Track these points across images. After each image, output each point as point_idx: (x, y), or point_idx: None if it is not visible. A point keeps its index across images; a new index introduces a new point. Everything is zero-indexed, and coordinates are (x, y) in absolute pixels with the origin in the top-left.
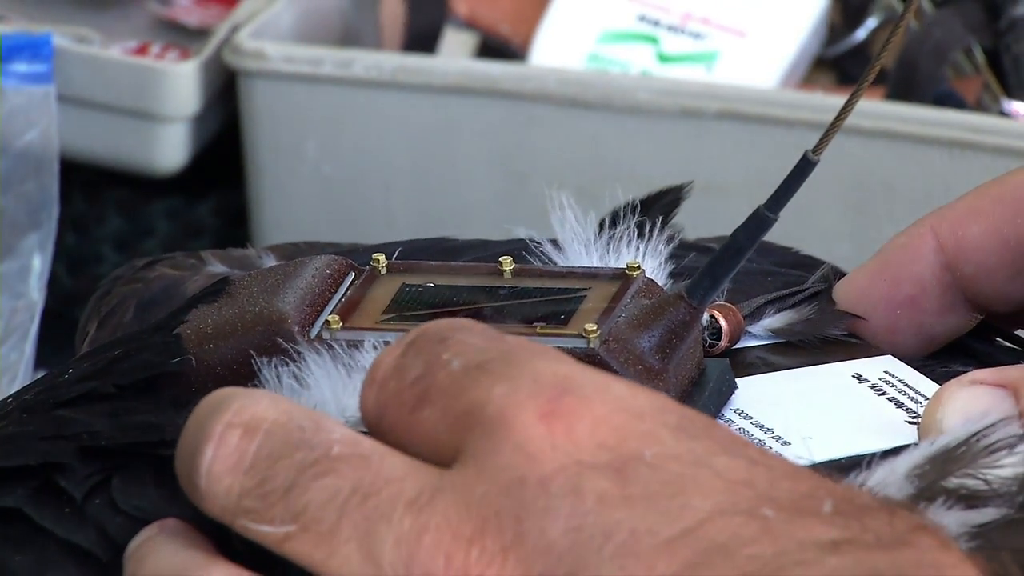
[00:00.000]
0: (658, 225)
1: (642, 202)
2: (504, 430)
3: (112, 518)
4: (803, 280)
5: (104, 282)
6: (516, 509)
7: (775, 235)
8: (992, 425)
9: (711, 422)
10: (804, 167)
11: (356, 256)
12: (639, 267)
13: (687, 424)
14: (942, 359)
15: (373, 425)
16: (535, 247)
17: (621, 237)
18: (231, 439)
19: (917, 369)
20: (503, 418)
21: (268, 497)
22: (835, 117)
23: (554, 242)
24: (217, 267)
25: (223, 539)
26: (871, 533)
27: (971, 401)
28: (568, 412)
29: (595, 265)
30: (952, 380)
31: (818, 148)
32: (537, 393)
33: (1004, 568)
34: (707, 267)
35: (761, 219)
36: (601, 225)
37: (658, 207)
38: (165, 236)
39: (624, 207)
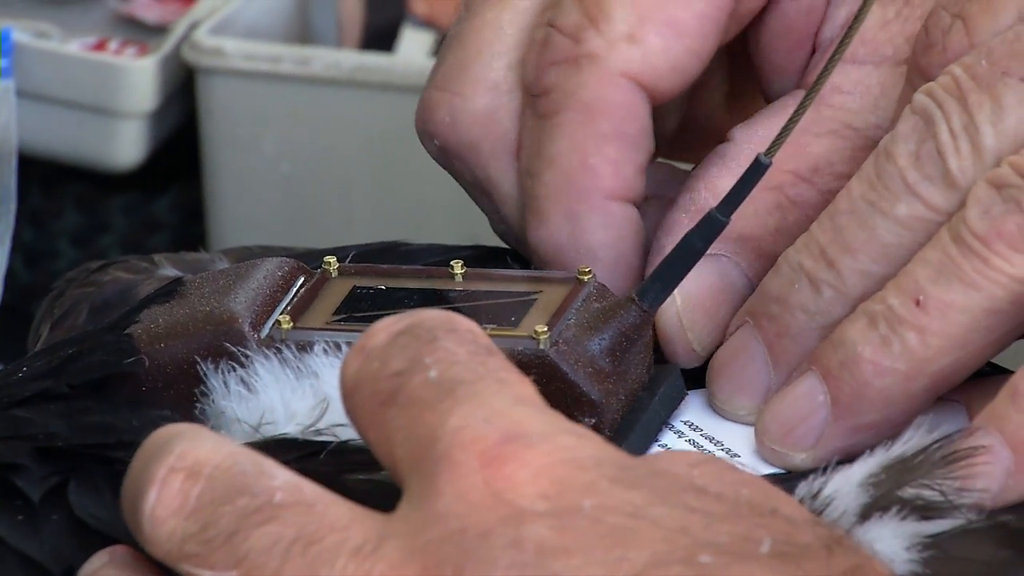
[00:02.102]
0: None
1: None
2: (448, 473)
3: (66, 530)
4: None
5: (57, 284)
6: (457, 558)
7: None
8: (949, 436)
9: (652, 471)
10: (756, 169)
11: (309, 260)
12: (590, 272)
13: (626, 475)
14: None
15: (347, 394)
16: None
17: None
18: (174, 483)
19: None
20: (448, 459)
21: (211, 543)
22: (793, 112)
23: (506, 250)
24: (170, 271)
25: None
26: None
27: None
28: (511, 459)
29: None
30: None
31: (770, 151)
32: (485, 435)
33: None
34: (658, 271)
35: (713, 222)
36: None
37: None
38: (122, 232)
39: None
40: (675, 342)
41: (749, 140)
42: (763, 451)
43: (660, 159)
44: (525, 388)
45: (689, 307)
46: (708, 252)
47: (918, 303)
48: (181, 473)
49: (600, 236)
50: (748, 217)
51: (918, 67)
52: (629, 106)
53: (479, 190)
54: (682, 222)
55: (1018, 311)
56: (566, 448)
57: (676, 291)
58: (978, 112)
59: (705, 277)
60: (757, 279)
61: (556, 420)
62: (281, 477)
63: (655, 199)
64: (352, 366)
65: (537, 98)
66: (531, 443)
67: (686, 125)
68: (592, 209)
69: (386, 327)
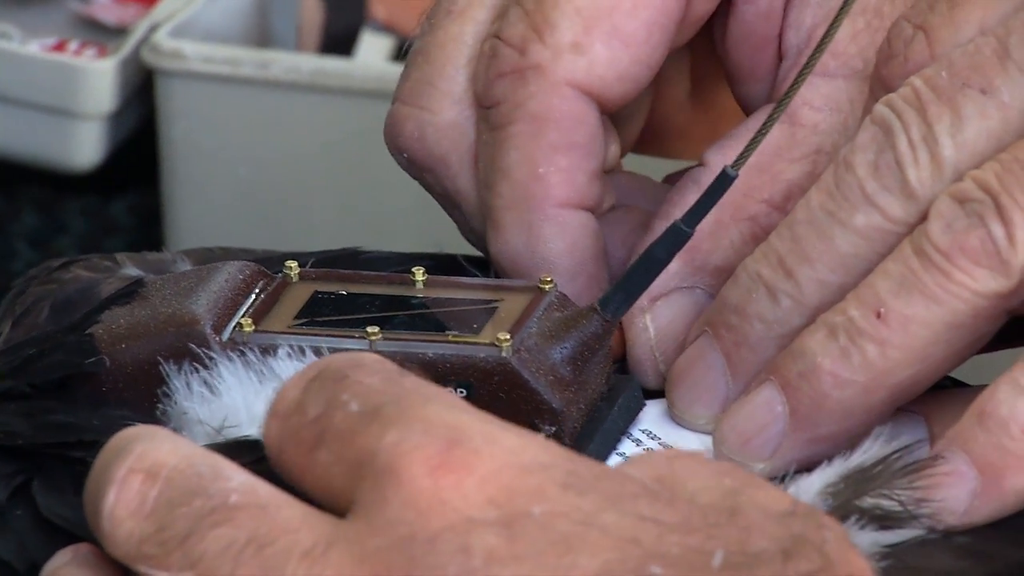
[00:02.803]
0: None
1: None
2: (394, 483)
3: (31, 528)
4: None
5: (18, 282)
6: (406, 565)
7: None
8: (908, 446)
9: (601, 473)
10: (723, 181)
11: (269, 264)
12: (552, 281)
13: (575, 480)
14: None
15: (274, 457)
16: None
17: None
18: (133, 484)
19: None
20: (392, 470)
21: (167, 544)
22: (762, 125)
23: (468, 258)
24: (132, 270)
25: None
26: None
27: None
28: (457, 466)
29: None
30: None
31: (737, 163)
32: (427, 444)
33: None
34: (622, 281)
35: (677, 233)
36: None
37: None
38: (79, 234)
39: None
40: (646, 371)
41: (723, 164)
42: (721, 460)
43: (631, 153)
44: (451, 397)
45: (663, 338)
46: (683, 285)
47: (879, 315)
48: (140, 474)
49: (555, 245)
50: (724, 249)
51: (879, 78)
52: (577, 115)
53: (449, 202)
54: None
55: (979, 325)
56: (512, 451)
57: (649, 321)
58: (937, 123)
59: (679, 308)
60: None
61: (494, 422)
62: (237, 479)
63: (621, 208)
64: (272, 430)
65: (488, 110)
66: (476, 448)
67: (652, 121)
68: (545, 218)
69: (294, 383)
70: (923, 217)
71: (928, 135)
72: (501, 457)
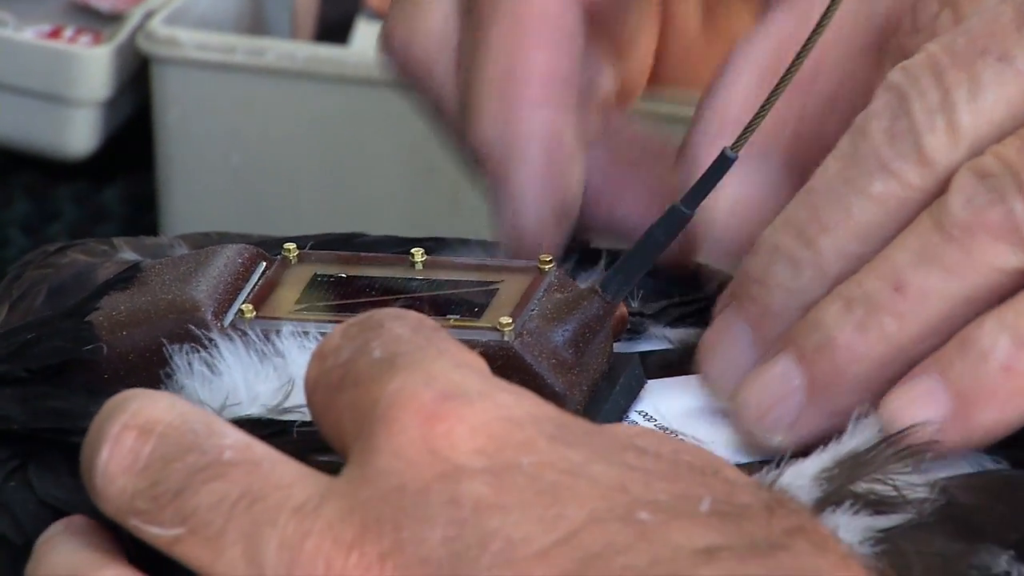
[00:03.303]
0: None
1: None
2: (386, 432)
3: (27, 505)
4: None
5: (14, 267)
6: (395, 516)
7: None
8: (903, 430)
9: (590, 429)
10: (722, 163)
11: (266, 248)
12: (551, 261)
13: (565, 433)
14: None
15: (308, 397)
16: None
17: None
18: (126, 440)
19: None
20: (386, 417)
21: (159, 499)
22: (759, 108)
23: (463, 241)
24: (129, 254)
25: (129, 538)
26: (747, 537)
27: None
28: (448, 416)
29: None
30: None
31: (736, 144)
32: (422, 394)
33: (908, 566)
34: (621, 262)
35: (677, 214)
36: None
37: None
38: (72, 220)
39: None
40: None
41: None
42: (740, 434)
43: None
44: (467, 356)
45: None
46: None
47: (896, 288)
48: (134, 431)
49: (529, 138)
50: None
51: (899, 47)
52: (557, 13)
53: (436, 112)
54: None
55: (992, 301)
56: (504, 405)
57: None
58: (955, 90)
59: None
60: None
61: (495, 381)
62: (232, 436)
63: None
64: (311, 371)
65: (470, 12)
66: (469, 400)
67: (662, 52)
68: (520, 112)
69: (337, 330)
70: (941, 185)
71: (944, 101)
72: (492, 410)
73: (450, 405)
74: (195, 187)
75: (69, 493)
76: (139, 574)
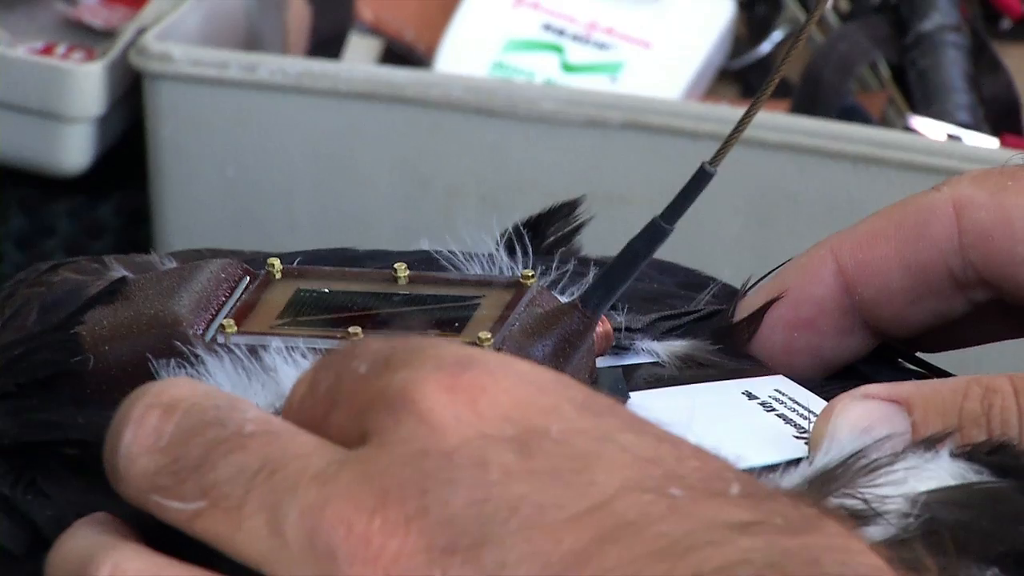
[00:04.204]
0: (551, 239)
1: (540, 217)
2: (407, 405)
3: (43, 511)
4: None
5: (6, 285)
6: (419, 480)
7: (680, 245)
8: (870, 444)
9: (613, 402)
10: (701, 178)
11: (256, 263)
12: (533, 276)
13: (591, 402)
14: (838, 381)
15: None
16: (437, 257)
17: (515, 253)
18: (150, 420)
19: (811, 390)
20: (405, 395)
21: (180, 474)
22: (734, 128)
23: (454, 253)
24: (120, 272)
25: (150, 530)
26: (779, 517)
27: (863, 415)
28: (471, 385)
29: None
30: (844, 394)
31: (715, 159)
32: (439, 369)
33: (916, 557)
34: (602, 276)
35: (657, 229)
36: (499, 240)
37: (556, 223)
38: (66, 236)
39: (522, 224)
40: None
41: None
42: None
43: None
44: (460, 343)
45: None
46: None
47: None
48: (158, 410)
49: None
50: None
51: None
52: None
53: None
54: None
55: None
56: (524, 373)
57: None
58: None
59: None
60: None
61: (504, 355)
62: (252, 412)
63: None
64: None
65: None
66: (489, 369)
67: None
68: None
69: (303, 376)
70: None
71: None
72: (515, 377)
73: (471, 375)
74: (189, 201)
75: (83, 496)
76: (155, 552)
